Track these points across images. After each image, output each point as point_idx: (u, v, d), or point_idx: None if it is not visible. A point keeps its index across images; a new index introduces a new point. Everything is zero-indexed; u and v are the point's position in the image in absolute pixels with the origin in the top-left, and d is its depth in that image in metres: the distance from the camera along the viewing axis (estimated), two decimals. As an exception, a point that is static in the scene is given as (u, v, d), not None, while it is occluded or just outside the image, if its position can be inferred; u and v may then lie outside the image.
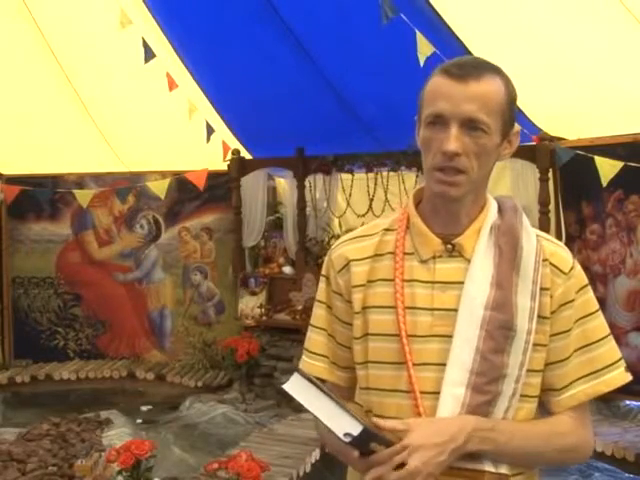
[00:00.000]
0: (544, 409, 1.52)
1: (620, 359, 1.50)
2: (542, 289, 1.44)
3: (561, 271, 1.46)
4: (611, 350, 1.50)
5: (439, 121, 1.40)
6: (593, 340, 1.48)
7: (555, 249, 1.49)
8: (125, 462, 3.68)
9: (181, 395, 6.16)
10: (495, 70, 1.43)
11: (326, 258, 1.61)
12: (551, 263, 1.46)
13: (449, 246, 1.46)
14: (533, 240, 1.47)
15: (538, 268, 1.44)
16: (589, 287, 1.50)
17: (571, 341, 1.47)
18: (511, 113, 1.44)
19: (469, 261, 1.45)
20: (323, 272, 1.60)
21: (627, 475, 4.45)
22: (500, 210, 1.50)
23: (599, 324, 1.50)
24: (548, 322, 1.45)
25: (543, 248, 1.47)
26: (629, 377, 1.49)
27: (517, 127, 1.47)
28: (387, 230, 1.54)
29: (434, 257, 1.47)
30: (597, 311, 1.50)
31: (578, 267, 1.49)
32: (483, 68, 1.41)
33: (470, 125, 1.38)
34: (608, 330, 1.50)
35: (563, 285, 1.46)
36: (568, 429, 1.48)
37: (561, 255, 1.49)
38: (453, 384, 1.40)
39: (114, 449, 3.88)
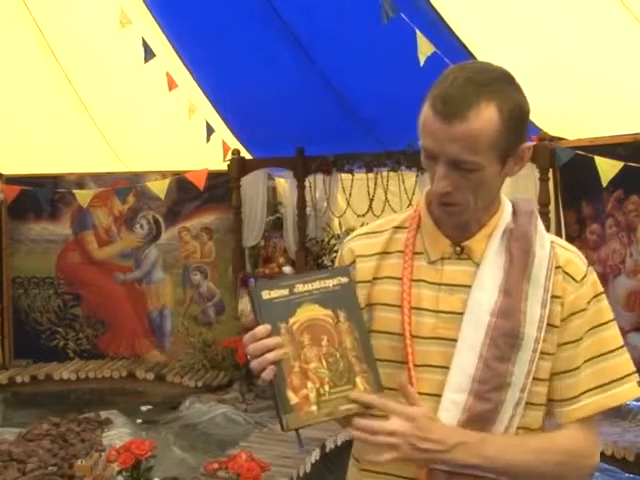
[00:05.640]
0: (552, 419, 1.47)
1: (633, 372, 1.44)
2: (553, 297, 1.41)
3: (573, 279, 1.42)
4: (624, 362, 1.44)
5: (430, 155, 1.36)
6: (605, 351, 1.43)
7: (569, 256, 1.45)
8: (125, 462, 3.67)
9: (181, 395, 6.15)
10: (490, 93, 1.30)
11: (338, 252, 1.60)
12: (564, 271, 1.42)
13: (458, 248, 1.44)
14: (547, 246, 1.43)
15: (550, 275, 1.41)
16: (603, 296, 1.45)
17: (581, 351, 1.43)
18: (513, 135, 1.33)
19: (478, 265, 1.42)
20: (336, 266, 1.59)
21: (627, 475, 4.43)
22: (515, 213, 1.45)
23: (612, 334, 1.45)
24: (557, 331, 1.41)
25: (557, 255, 1.43)
26: None
27: (527, 143, 1.38)
28: (398, 228, 1.52)
29: (442, 258, 1.44)
30: (611, 321, 1.45)
31: (592, 275, 1.45)
32: (472, 100, 1.29)
33: (457, 165, 1.33)
34: (622, 341, 1.45)
35: (575, 293, 1.42)
36: (569, 442, 1.43)
37: (575, 262, 1.44)
38: (455, 389, 1.38)
39: (114, 449, 3.87)
